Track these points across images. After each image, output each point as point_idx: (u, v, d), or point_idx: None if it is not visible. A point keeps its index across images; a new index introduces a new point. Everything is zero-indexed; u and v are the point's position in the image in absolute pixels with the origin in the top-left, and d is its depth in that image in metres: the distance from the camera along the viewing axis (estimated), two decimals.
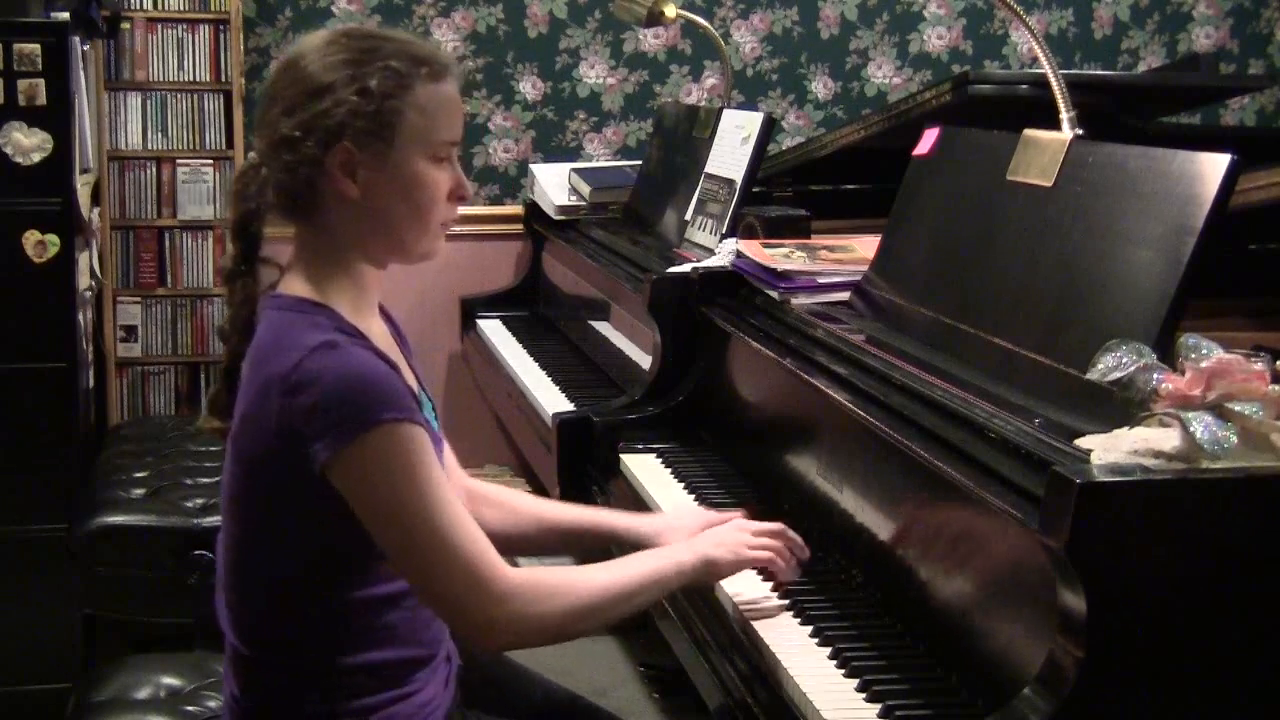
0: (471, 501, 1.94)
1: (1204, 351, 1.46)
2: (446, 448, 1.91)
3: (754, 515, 1.99)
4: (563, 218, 3.77)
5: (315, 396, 1.53)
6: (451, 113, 1.67)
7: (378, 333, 1.71)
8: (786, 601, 1.87)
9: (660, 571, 1.73)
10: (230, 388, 1.66)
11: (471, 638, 1.65)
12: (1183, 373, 1.45)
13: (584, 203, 3.76)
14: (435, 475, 1.57)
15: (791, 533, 1.87)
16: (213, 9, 3.90)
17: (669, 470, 2.49)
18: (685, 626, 2.00)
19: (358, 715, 1.65)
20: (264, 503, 1.62)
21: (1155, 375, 1.46)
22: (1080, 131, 2.03)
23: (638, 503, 2.40)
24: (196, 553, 2.79)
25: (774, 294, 2.46)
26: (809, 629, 1.80)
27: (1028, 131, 2.06)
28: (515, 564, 1.62)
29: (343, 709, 1.64)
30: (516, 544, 2.05)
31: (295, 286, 1.66)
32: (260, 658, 1.66)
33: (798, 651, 1.75)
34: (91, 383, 3.56)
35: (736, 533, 1.83)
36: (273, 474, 1.59)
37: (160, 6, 3.89)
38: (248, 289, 1.68)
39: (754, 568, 1.86)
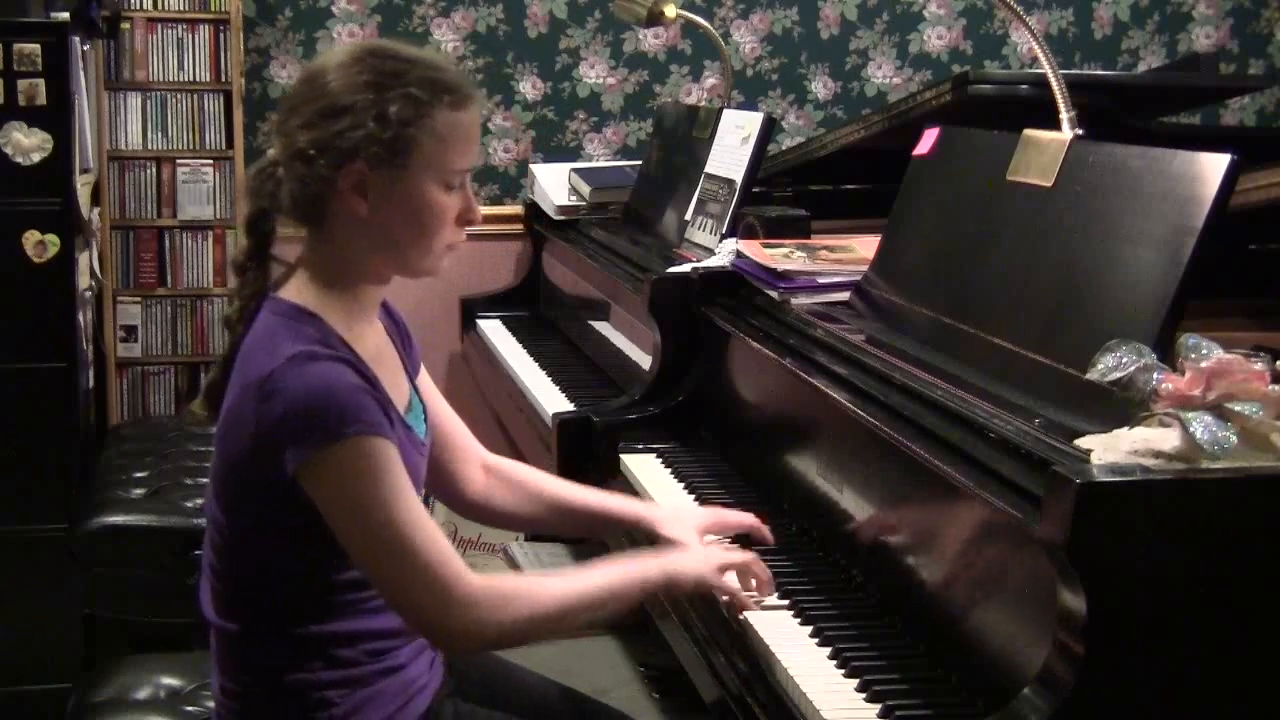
0: (489, 477, 1.99)
1: (1204, 351, 1.46)
2: (462, 426, 1.95)
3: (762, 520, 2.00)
4: (563, 218, 3.77)
5: (285, 406, 1.57)
6: (468, 141, 1.70)
7: (370, 342, 1.73)
8: (786, 601, 1.87)
9: (623, 584, 1.74)
10: (226, 376, 1.69)
11: (432, 641, 1.69)
12: (1183, 373, 1.45)
13: (584, 203, 3.76)
14: (400, 485, 1.60)
15: (759, 566, 1.86)
16: (213, 9, 3.90)
17: (669, 470, 2.49)
18: (685, 626, 2.00)
19: (343, 687, 1.67)
20: (245, 495, 1.66)
21: (1155, 375, 1.46)
22: (1080, 131, 2.03)
23: None
24: (196, 553, 2.76)
25: (774, 294, 2.46)
26: (809, 629, 1.80)
27: (1028, 131, 2.06)
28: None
29: (328, 680, 1.67)
30: (529, 523, 2.08)
31: (294, 291, 1.69)
32: (242, 633, 1.69)
33: (798, 651, 1.75)
34: (91, 383, 3.56)
35: (707, 554, 1.83)
36: (251, 471, 1.63)
37: (160, 6, 3.88)
38: (257, 283, 1.72)
39: (715, 591, 1.85)
